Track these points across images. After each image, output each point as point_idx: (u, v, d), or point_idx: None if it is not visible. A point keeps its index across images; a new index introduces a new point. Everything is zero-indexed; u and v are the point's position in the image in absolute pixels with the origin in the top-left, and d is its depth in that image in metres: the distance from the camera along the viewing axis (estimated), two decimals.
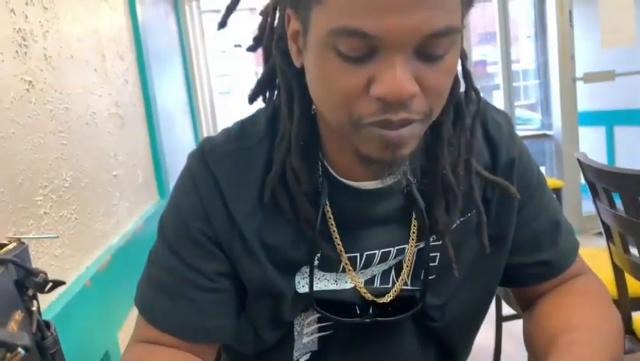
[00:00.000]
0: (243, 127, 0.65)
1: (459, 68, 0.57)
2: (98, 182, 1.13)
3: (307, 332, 0.66)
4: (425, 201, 0.62)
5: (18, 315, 0.39)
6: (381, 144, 0.49)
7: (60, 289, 0.85)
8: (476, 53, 4.38)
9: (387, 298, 0.64)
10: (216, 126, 3.42)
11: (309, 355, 0.67)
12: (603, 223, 1.38)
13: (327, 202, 0.61)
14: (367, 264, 0.63)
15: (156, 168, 1.74)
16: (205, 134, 3.15)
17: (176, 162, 2.07)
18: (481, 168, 0.64)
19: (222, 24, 0.68)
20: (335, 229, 0.62)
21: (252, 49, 0.67)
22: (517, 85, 4.41)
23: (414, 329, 0.68)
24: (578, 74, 3.29)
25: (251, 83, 0.71)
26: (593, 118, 3.90)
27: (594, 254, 1.65)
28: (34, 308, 0.44)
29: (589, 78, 3.24)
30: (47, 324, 0.48)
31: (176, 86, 2.60)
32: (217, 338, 0.63)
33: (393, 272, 0.66)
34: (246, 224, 0.60)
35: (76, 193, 0.99)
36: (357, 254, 0.63)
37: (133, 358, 0.60)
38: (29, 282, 0.44)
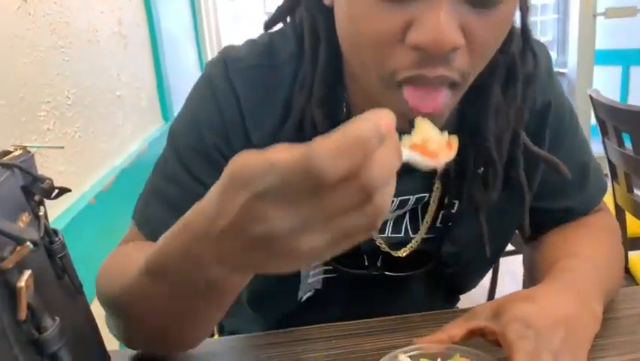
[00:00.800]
0: (272, 41, 0.58)
1: (516, 21, 0.50)
2: (102, 102, 1.12)
3: (313, 273, 0.64)
4: (458, 165, 0.56)
5: (25, 217, 0.39)
6: (409, 111, 0.43)
7: (65, 205, 0.86)
8: None
9: (402, 253, 0.61)
10: None
11: (312, 292, 0.65)
12: (610, 163, 1.37)
13: None
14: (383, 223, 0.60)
15: (160, 91, 1.72)
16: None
17: (180, 87, 2.04)
18: (529, 141, 0.56)
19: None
20: None
21: None
22: (535, 19, 4.24)
23: (423, 277, 0.65)
24: (600, 9, 3.16)
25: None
26: (609, 57, 3.78)
27: None
28: (41, 213, 0.44)
29: (611, 13, 3.11)
30: (55, 231, 0.49)
31: (180, 8, 2.52)
32: None
33: (407, 220, 0.62)
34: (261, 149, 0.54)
35: (80, 111, 0.98)
36: None
37: (112, 254, 0.57)
38: (36, 188, 0.44)
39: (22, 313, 0.30)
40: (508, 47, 0.50)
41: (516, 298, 0.47)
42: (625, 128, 1.23)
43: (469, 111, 0.54)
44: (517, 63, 0.53)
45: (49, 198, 0.48)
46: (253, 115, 0.55)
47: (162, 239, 0.39)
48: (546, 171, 0.62)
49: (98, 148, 1.07)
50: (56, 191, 0.48)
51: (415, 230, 0.62)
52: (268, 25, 0.60)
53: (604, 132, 1.36)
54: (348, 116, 0.55)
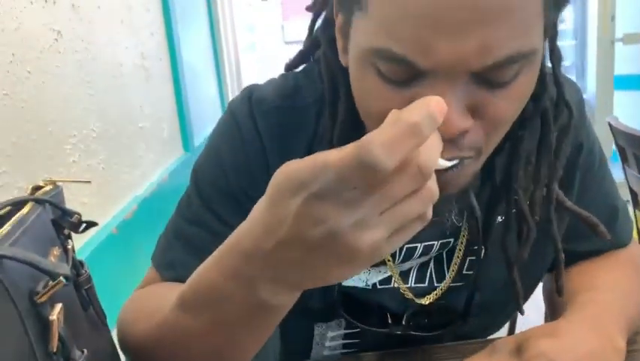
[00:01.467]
0: (297, 82, 0.57)
1: (548, 71, 0.47)
2: (124, 133, 1.15)
3: (330, 346, 0.61)
4: (485, 212, 0.55)
5: (56, 251, 0.41)
6: None
7: (88, 235, 0.88)
8: None
9: (426, 300, 0.58)
10: (241, 81, 3.41)
11: None
12: (631, 190, 1.35)
13: None
14: (406, 258, 0.57)
15: (181, 121, 1.76)
16: (229, 90, 3.14)
17: (201, 117, 2.08)
18: (563, 196, 0.54)
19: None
20: None
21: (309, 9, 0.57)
22: None
23: (447, 332, 0.61)
24: (618, 34, 3.16)
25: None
26: (630, 82, 3.76)
27: None
28: (70, 246, 0.46)
29: (629, 39, 3.10)
30: (81, 263, 0.51)
31: (201, 40, 2.59)
32: None
33: (432, 268, 0.59)
34: None
35: (103, 143, 1.01)
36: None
37: (133, 298, 0.56)
38: (65, 222, 0.46)
39: (54, 345, 0.31)
40: (541, 99, 0.48)
41: (539, 334, 0.46)
42: None
43: (499, 161, 0.51)
44: (549, 114, 0.50)
45: (77, 231, 0.50)
46: (276, 156, 0.53)
47: (201, 270, 0.38)
48: (574, 216, 0.57)
49: (121, 179, 1.10)
50: (84, 225, 0.50)
51: (440, 279, 0.59)
52: (289, 68, 0.60)
53: (624, 159, 1.35)
54: None
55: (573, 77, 4.08)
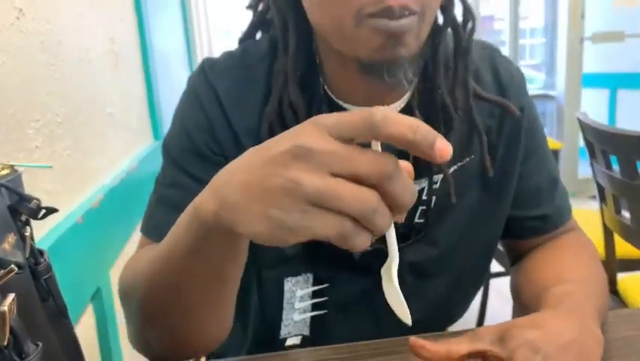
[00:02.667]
0: (245, 47, 0.66)
1: None
2: (92, 120, 1.11)
3: (299, 308, 0.65)
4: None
5: (11, 238, 0.38)
6: (383, 38, 0.49)
7: (51, 224, 0.85)
8: (484, 9, 4.27)
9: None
10: None
11: (299, 338, 0.65)
12: (598, 185, 1.38)
13: None
14: None
15: (151, 109, 1.72)
16: None
17: (171, 105, 2.04)
18: (480, 89, 0.64)
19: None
20: None
21: (250, 6, 0.69)
22: (524, 43, 4.32)
23: (412, 288, 0.66)
24: (587, 33, 3.22)
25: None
26: (597, 80, 3.85)
27: (586, 215, 1.67)
28: (27, 234, 0.43)
29: (598, 38, 3.18)
30: (40, 252, 0.48)
31: (173, 26, 2.54)
32: None
33: None
34: (247, 140, 0.59)
35: (69, 130, 0.97)
36: None
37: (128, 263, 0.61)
38: (22, 207, 0.43)
39: (4, 339, 0.29)
40: (449, 10, 0.60)
41: (522, 324, 0.47)
42: (612, 151, 1.25)
43: (425, 69, 0.62)
44: (458, 24, 0.62)
45: (36, 218, 0.48)
46: (234, 108, 0.60)
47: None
48: (520, 180, 0.67)
49: (87, 166, 1.06)
50: (43, 211, 0.48)
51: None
52: (243, 40, 0.68)
53: (592, 155, 1.38)
54: (325, 94, 0.60)
55: (542, 74, 4.15)
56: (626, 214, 1.29)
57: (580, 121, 1.36)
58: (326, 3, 0.52)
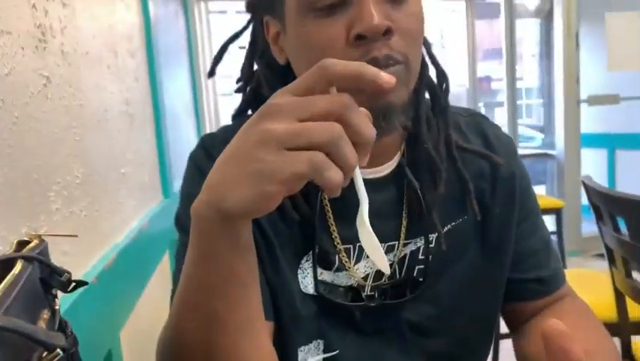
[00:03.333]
0: (242, 121, 0.68)
1: (424, 52, 0.64)
2: (107, 180, 1.13)
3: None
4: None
5: (45, 314, 0.38)
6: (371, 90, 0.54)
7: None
8: (481, 69, 4.42)
9: (384, 279, 0.66)
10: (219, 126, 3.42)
11: None
12: (606, 247, 1.39)
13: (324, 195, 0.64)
14: (359, 257, 0.64)
15: (161, 167, 1.74)
16: None
17: (180, 162, 2.07)
18: (461, 142, 0.67)
19: (211, 73, 0.77)
20: (331, 217, 0.64)
21: (239, 90, 0.75)
22: (520, 103, 4.43)
23: (413, 345, 0.67)
24: (583, 95, 3.31)
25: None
26: (596, 140, 3.92)
27: (595, 277, 1.65)
28: (57, 307, 0.43)
29: (593, 101, 3.26)
30: (65, 323, 0.48)
31: (182, 87, 2.61)
32: None
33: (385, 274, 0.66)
34: None
35: (86, 190, 0.99)
36: (351, 246, 0.64)
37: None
38: (54, 281, 0.44)
39: None
40: (424, 72, 0.64)
41: None
42: (619, 214, 1.26)
43: (411, 130, 0.66)
44: (434, 84, 0.67)
45: (65, 291, 0.48)
46: None
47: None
48: (516, 243, 0.69)
49: (102, 226, 1.07)
50: (73, 284, 0.48)
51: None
52: (235, 116, 0.74)
53: (599, 217, 1.39)
54: None
55: (541, 133, 4.23)
56: (637, 277, 1.28)
57: (585, 184, 1.38)
58: (304, 78, 0.57)
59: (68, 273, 0.46)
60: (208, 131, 3.21)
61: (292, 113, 0.39)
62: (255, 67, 0.72)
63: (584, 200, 1.46)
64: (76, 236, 0.82)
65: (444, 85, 0.67)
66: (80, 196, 0.95)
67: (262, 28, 0.65)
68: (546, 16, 3.85)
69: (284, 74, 0.62)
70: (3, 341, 0.28)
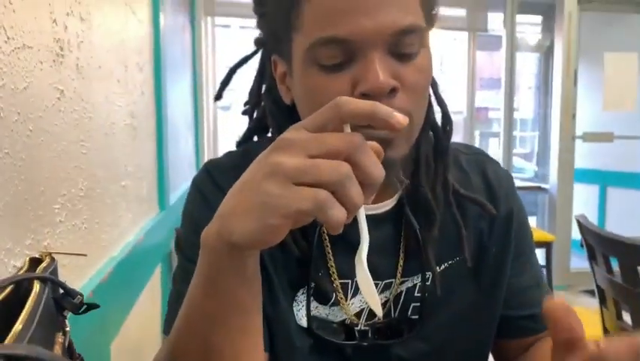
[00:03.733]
0: (247, 148, 0.70)
1: (431, 92, 0.64)
2: (108, 192, 1.13)
3: None
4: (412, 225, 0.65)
5: (60, 338, 0.39)
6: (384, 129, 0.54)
7: None
8: (479, 98, 4.48)
9: (377, 318, 0.66)
10: (217, 142, 3.43)
11: None
12: (597, 287, 1.40)
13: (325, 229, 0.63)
14: (355, 292, 0.64)
15: (160, 180, 1.74)
16: (205, 149, 3.15)
17: (177, 175, 2.07)
18: (458, 186, 0.68)
19: (218, 97, 0.78)
20: (330, 251, 0.64)
21: (246, 112, 0.75)
22: (515, 134, 4.49)
23: None
24: (578, 132, 3.36)
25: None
26: (587, 176, 3.97)
27: (584, 314, 1.67)
28: (68, 329, 0.44)
29: (588, 138, 3.31)
30: (71, 344, 0.48)
31: (184, 99, 2.62)
32: None
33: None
34: None
35: (88, 203, 0.99)
36: (349, 281, 0.64)
37: None
38: (67, 302, 0.44)
39: None
40: (429, 114, 0.64)
41: None
42: (613, 255, 1.28)
43: (411, 170, 0.67)
44: (437, 125, 0.67)
45: (76, 313, 0.48)
46: None
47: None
48: (511, 278, 0.70)
49: (100, 239, 1.07)
50: (85, 307, 0.48)
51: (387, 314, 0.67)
52: (240, 143, 0.73)
53: (592, 257, 1.40)
54: None
55: (533, 164, 4.27)
56: (627, 319, 1.30)
57: (579, 223, 1.40)
58: (319, 114, 0.57)
59: (81, 295, 0.46)
60: (206, 144, 3.24)
61: (303, 148, 0.40)
62: (262, 90, 0.73)
63: (575, 234, 1.48)
64: (85, 255, 0.82)
65: (447, 127, 0.67)
66: (82, 209, 0.96)
67: (270, 65, 0.65)
68: (545, 52, 3.92)
69: (290, 111, 0.62)
70: None
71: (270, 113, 0.67)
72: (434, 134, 0.67)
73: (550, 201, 3.53)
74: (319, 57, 0.53)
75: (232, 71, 0.76)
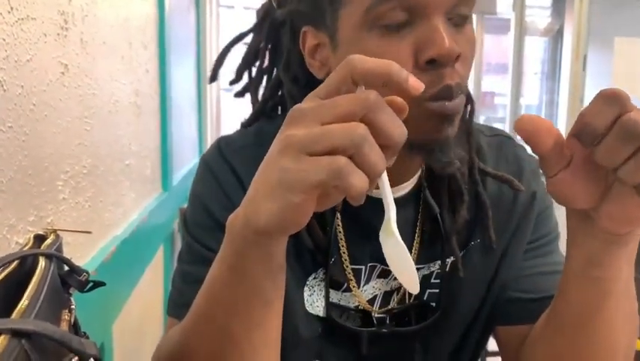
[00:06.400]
0: (260, 126, 0.67)
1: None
2: (112, 171, 1.12)
3: None
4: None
5: (66, 315, 0.38)
6: (438, 120, 0.51)
7: None
8: (485, 83, 4.42)
9: (392, 304, 0.65)
10: (220, 122, 3.40)
11: None
12: None
13: (339, 214, 0.61)
14: (369, 278, 0.63)
15: (163, 160, 1.73)
16: (208, 130, 3.13)
17: (180, 155, 2.06)
18: (483, 165, 0.66)
19: (213, 78, 0.73)
20: (343, 237, 0.62)
21: (239, 94, 0.72)
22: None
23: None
24: None
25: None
26: None
27: None
28: (73, 307, 0.43)
29: None
30: (76, 321, 0.47)
31: (188, 79, 2.59)
32: None
33: (395, 295, 0.65)
34: None
35: (92, 181, 0.98)
36: (363, 267, 0.62)
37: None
38: (72, 280, 0.43)
39: None
40: None
41: None
42: None
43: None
44: (465, 111, 0.65)
45: (82, 291, 0.47)
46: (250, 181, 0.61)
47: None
48: (527, 261, 0.67)
49: (104, 217, 1.06)
50: (91, 284, 0.47)
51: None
52: (246, 125, 0.69)
53: None
54: None
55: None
56: None
57: None
58: (330, 77, 0.54)
59: (87, 272, 0.45)
60: (209, 124, 3.21)
61: (315, 116, 0.37)
62: (263, 72, 0.70)
63: None
64: (89, 233, 0.81)
65: (469, 108, 0.65)
66: (86, 187, 0.95)
67: (296, 39, 0.60)
68: (554, 36, 3.87)
69: (311, 88, 0.60)
70: (37, 346, 0.28)
71: (289, 94, 0.63)
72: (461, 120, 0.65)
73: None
74: (381, 16, 0.49)
75: (227, 49, 0.72)
